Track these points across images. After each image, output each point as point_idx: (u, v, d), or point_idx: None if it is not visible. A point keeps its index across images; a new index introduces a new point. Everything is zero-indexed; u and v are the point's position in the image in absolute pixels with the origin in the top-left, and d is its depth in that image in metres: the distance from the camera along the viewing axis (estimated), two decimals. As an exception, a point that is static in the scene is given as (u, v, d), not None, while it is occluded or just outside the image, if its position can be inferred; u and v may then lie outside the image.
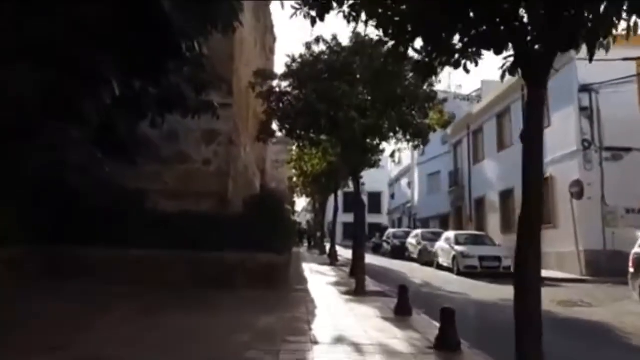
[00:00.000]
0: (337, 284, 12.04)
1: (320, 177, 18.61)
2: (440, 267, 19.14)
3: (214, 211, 10.82)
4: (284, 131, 10.21)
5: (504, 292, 12.67)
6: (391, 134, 9.57)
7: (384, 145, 10.95)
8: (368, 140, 9.41)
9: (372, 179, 32.47)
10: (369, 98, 8.83)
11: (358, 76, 8.96)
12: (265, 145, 18.42)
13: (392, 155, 35.01)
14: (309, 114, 8.92)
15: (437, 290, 12.49)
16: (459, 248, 17.48)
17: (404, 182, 41.85)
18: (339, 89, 8.43)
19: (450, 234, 19.50)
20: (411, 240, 24.78)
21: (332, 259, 18.75)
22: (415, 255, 23.40)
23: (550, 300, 9.75)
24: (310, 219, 37.30)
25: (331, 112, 8.61)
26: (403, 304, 7.25)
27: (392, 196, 47.46)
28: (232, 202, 11.60)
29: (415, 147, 10.52)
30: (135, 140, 8.42)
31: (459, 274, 16.80)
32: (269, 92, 9.66)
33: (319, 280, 12.62)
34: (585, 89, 16.61)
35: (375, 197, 54.05)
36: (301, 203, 57.01)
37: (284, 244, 11.05)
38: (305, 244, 40.02)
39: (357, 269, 9.95)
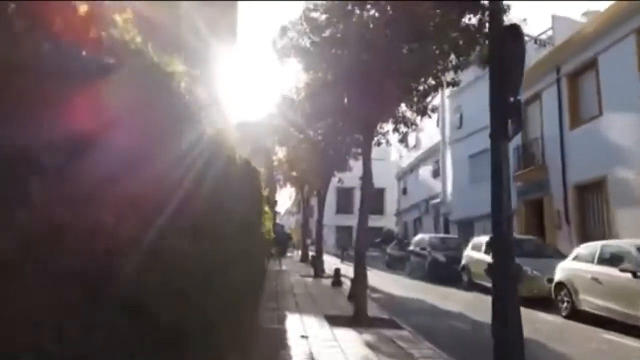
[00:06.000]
0: None
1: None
2: (579, 318, 9.00)
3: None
4: None
5: None
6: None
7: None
8: None
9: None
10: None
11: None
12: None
13: (403, 139, 24.69)
14: None
15: None
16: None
17: (424, 170, 31.29)
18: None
19: (626, 243, 9.05)
20: (475, 254, 14.51)
21: (359, 305, 8.28)
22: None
23: None
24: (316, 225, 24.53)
25: None
26: None
27: (404, 191, 36.83)
28: None
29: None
30: None
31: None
32: None
33: None
34: None
35: (377, 195, 43.72)
36: (283, 203, 47.47)
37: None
38: (289, 253, 30.00)
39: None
